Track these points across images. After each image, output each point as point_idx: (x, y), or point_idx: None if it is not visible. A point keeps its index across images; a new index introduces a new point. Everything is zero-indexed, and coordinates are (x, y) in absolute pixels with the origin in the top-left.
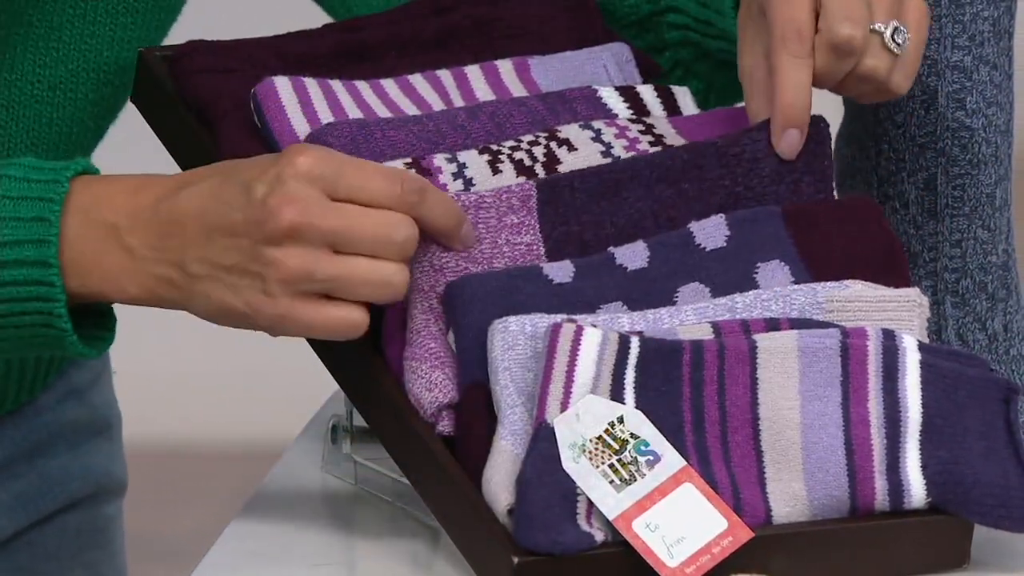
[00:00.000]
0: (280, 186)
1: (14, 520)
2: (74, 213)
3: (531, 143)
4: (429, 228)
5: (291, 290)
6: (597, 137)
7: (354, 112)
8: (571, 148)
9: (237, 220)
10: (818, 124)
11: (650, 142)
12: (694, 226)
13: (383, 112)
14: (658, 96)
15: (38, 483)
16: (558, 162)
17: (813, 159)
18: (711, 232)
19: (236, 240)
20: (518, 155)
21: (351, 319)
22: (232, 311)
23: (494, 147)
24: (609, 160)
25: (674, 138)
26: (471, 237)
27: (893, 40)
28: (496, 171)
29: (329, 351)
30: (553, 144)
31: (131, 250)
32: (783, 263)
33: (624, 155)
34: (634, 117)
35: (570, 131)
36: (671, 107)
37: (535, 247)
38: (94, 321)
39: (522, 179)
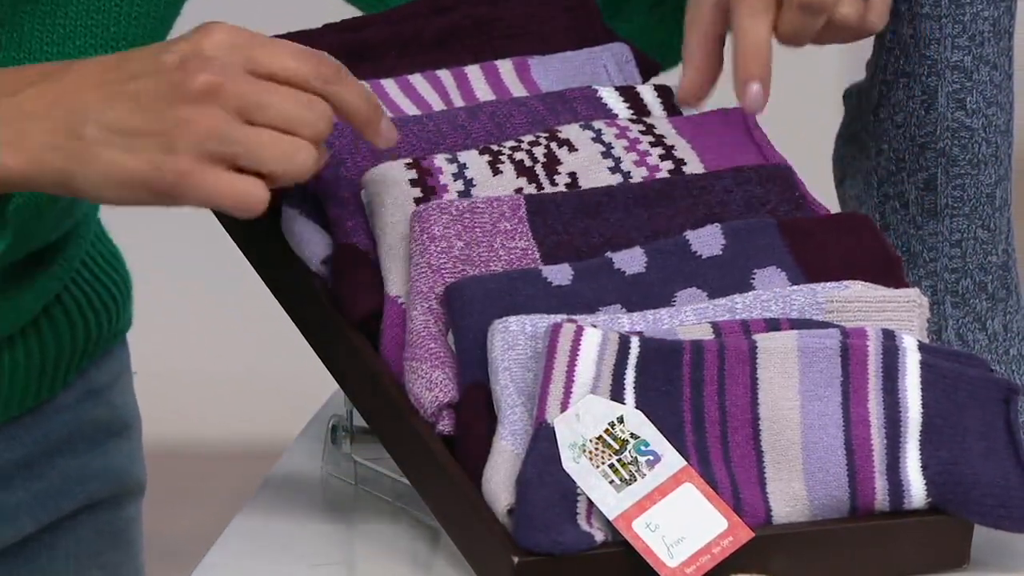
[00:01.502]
0: (198, 52)
1: (35, 519)
2: None
3: (531, 143)
4: (344, 111)
5: (199, 149)
6: (598, 137)
7: None
8: (571, 148)
9: (145, 87)
10: (782, 169)
11: (650, 142)
12: (690, 234)
13: None
14: (658, 96)
15: (59, 482)
16: (558, 162)
17: (781, 203)
18: (707, 240)
19: (140, 103)
20: (518, 155)
21: (252, 192)
22: (130, 175)
23: (494, 147)
24: (610, 160)
25: (674, 138)
26: (392, 133)
27: None
28: (496, 171)
29: (329, 351)
30: (553, 144)
31: (12, 120)
32: (780, 269)
33: (625, 155)
34: (634, 117)
35: (570, 131)
36: (671, 107)
37: (530, 251)
38: None
39: (523, 179)
